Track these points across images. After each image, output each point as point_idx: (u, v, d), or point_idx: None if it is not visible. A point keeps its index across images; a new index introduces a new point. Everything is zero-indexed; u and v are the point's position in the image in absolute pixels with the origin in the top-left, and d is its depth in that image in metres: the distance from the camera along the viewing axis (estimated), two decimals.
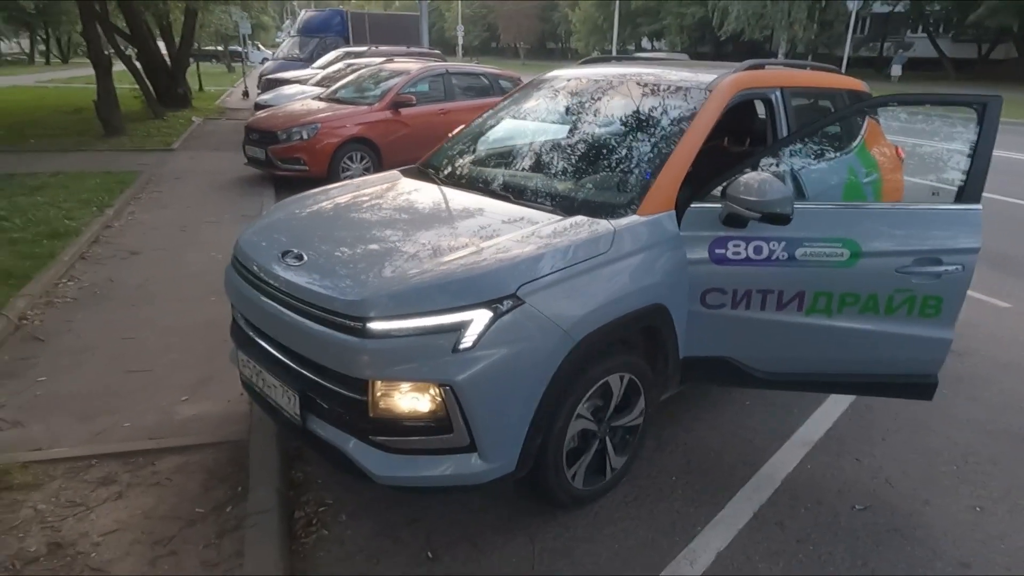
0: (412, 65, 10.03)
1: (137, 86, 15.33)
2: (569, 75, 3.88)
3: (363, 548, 2.54)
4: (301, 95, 11.29)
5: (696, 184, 2.88)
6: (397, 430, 2.33)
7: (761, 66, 3.48)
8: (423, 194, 3.25)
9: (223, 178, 8.97)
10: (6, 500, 2.58)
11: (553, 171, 3.25)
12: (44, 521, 2.48)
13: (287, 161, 8.33)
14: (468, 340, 2.24)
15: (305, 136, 8.30)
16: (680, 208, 2.80)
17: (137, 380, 3.57)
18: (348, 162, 8.48)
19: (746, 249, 2.78)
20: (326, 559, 2.47)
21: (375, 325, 2.25)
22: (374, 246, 2.63)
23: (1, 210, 6.54)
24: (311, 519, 2.67)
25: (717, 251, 2.78)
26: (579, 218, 2.71)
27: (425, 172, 3.58)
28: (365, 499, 2.77)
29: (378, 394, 2.30)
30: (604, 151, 3.21)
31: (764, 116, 3.49)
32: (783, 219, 2.67)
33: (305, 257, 2.58)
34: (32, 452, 2.89)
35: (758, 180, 2.67)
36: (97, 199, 7.20)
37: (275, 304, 2.55)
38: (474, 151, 3.72)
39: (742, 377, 3.04)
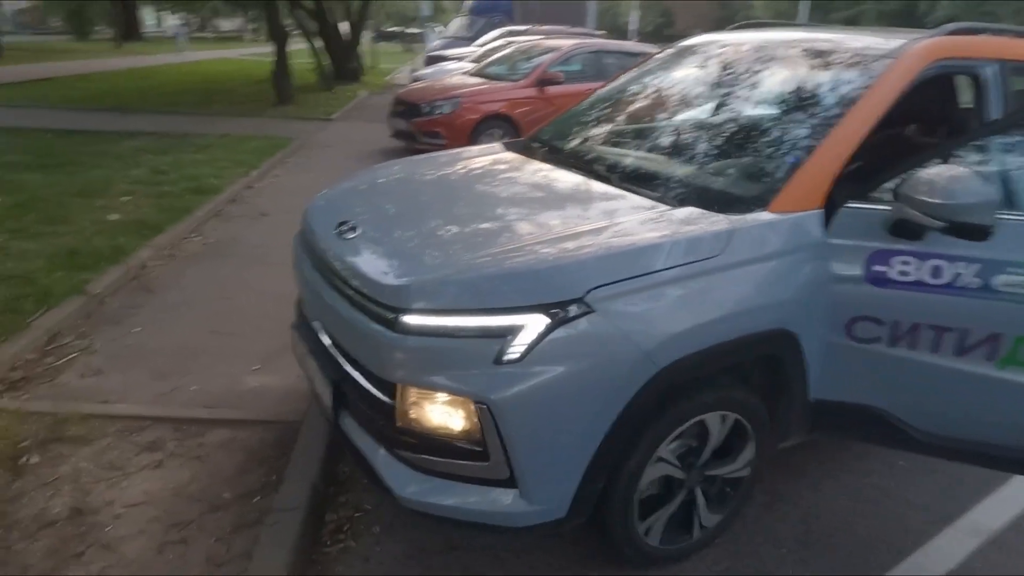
0: (566, 42, 9.58)
1: (313, 60, 16.27)
2: (711, 40, 3.23)
3: (388, 571, 2.19)
4: (457, 71, 11.29)
5: (861, 180, 2.19)
6: (425, 446, 1.93)
7: (973, 31, 2.62)
8: (515, 170, 2.81)
9: (369, 148, 9.11)
10: (53, 452, 2.53)
11: (671, 151, 2.66)
12: (78, 481, 2.39)
13: (427, 135, 8.25)
14: (515, 351, 1.78)
15: (447, 110, 8.17)
16: (831, 208, 2.13)
17: (219, 343, 3.50)
18: (487, 139, 8.24)
19: (919, 269, 2.06)
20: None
21: (411, 319, 1.86)
22: (435, 225, 2.24)
23: (163, 165, 7.01)
24: (342, 525, 2.37)
25: (876, 268, 2.08)
26: (688, 210, 2.13)
27: (529, 146, 3.14)
28: (405, 513, 2.42)
29: (407, 401, 1.91)
30: (737, 129, 2.57)
31: (969, 99, 2.65)
32: (979, 232, 1.92)
33: (359, 230, 2.25)
34: (97, 404, 2.86)
35: (947, 176, 1.94)
36: (248, 160, 7.54)
37: (321, 279, 2.26)
38: (587, 125, 3.21)
39: (895, 436, 2.30)
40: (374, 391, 2.00)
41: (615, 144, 2.89)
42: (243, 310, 3.90)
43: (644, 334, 1.84)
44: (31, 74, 16.60)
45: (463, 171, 2.85)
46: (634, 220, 2.11)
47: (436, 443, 1.91)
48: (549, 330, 1.78)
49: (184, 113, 11.11)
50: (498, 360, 1.79)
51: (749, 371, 2.22)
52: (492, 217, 2.25)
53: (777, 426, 2.30)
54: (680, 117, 2.85)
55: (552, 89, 8.44)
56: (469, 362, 1.82)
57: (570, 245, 1.94)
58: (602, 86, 3.57)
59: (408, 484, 1.96)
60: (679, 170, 2.50)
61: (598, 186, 2.46)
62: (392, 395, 1.94)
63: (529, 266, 1.87)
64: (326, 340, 2.29)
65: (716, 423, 2.14)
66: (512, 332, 1.79)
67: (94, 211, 5.35)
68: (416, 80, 11.73)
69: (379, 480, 2.02)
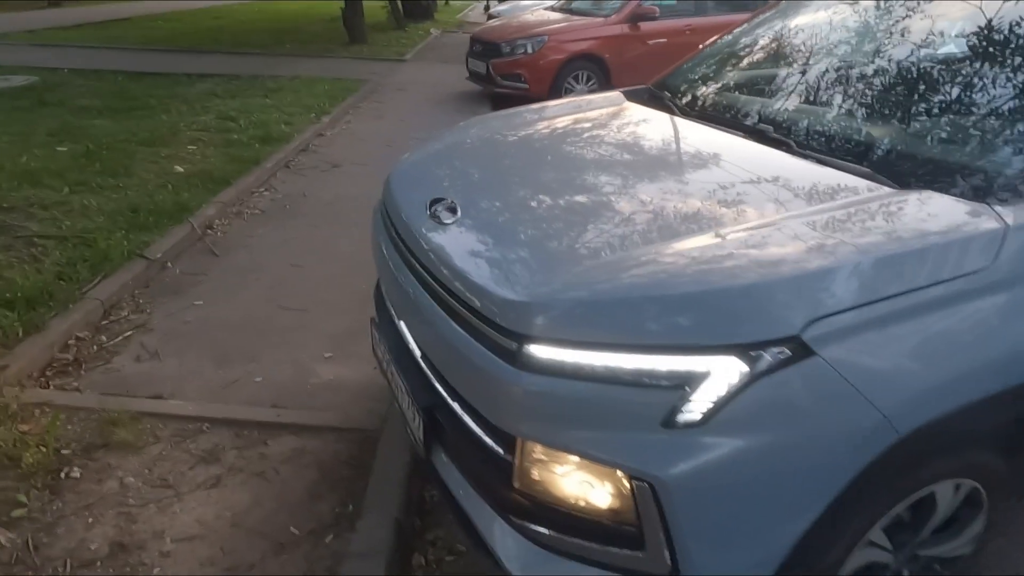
0: None
1: None
2: None
3: None
4: (535, 6, 10.44)
5: None
6: (552, 520, 1.41)
7: None
8: (652, 129, 2.20)
9: (444, 91, 8.51)
10: (98, 463, 2.16)
11: (872, 107, 1.97)
12: (124, 504, 2.01)
13: (507, 77, 7.59)
14: (695, 409, 1.23)
15: (529, 50, 7.45)
16: None
17: (288, 320, 3.08)
18: (572, 82, 7.50)
19: None
20: None
21: (540, 351, 1.32)
22: (562, 207, 1.68)
23: (231, 111, 6.63)
24: (431, 570, 1.93)
25: None
26: (924, 196, 1.49)
27: (659, 97, 2.49)
28: None
29: (530, 459, 1.40)
30: (974, 72, 1.85)
31: None
32: None
33: (459, 212, 1.71)
34: (149, 400, 2.48)
35: None
36: (318, 105, 7.07)
37: (408, 272, 1.74)
38: (734, 71, 2.53)
39: None
40: (484, 436, 1.49)
41: (782, 97, 2.21)
42: (314, 280, 3.47)
43: (884, 388, 1.24)
44: (113, 13, 16.63)
45: (585, 130, 2.25)
46: (844, 210, 1.49)
47: (568, 518, 1.40)
48: (747, 381, 1.21)
49: (255, 54, 10.73)
50: (669, 422, 1.24)
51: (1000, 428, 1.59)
52: (642, 200, 1.66)
53: (1014, 486, 1.68)
54: (884, 55, 2.12)
55: (646, 25, 7.57)
56: (625, 420, 1.27)
57: (774, 251, 1.34)
58: (745, 23, 2.84)
59: (525, 562, 1.46)
60: (892, 131, 1.83)
61: (772, 155, 1.83)
62: (510, 447, 1.42)
63: (718, 283, 1.28)
64: (415, 350, 1.80)
65: (947, 494, 1.54)
66: (691, 382, 1.23)
67: (159, 161, 5.01)
68: (492, 17, 10.94)
69: (484, 545, 1.54)
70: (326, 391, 2.59)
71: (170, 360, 2.77)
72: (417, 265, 1.70)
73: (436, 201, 1.78)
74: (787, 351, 1.21)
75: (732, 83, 2.42)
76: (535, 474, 1.40)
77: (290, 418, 2.41)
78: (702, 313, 1.26)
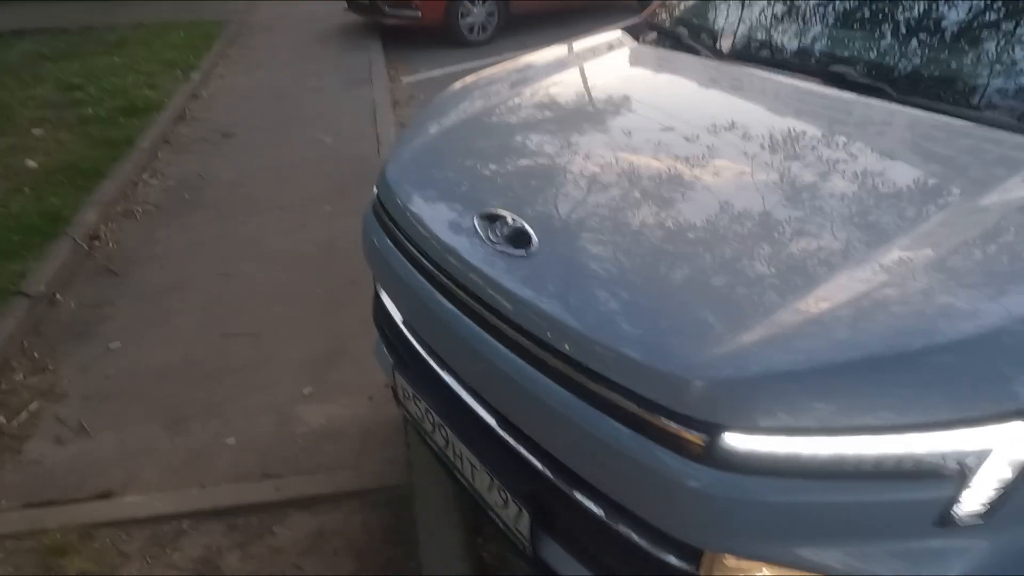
0: None
1: None
2: None
3: None
4: None
5: None
6: None
7: None
8: (703, 83, 1.80)
9: (322, 27, 7.52)
10: None
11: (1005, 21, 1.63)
12: None
13: (395, 6, 6.76)
14: (976, 499, 0.93)
15: None
16: None
17: (240, 351, 2.51)
18: (469, 4, 6.80)
19: None
20: None
21: (738, 440, 0.96)
22: (680, 215, 1.27)
23: (74, 77, 5.47)
24: None
25: None
26: None
27: (677, 36, 2.05)
28: None
29: (721, 568, 1.06)
30: None
31: None
32: None
33: (534, 236, 1.26)
34: (97, 502, 1.91)
35: None
36: (181, 60, 6.00)
37: (468, 319, 1.30)
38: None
39: None
40: (640, 541, 1.13)
41: (854, 26, 1.83)
42: (254, 291, 2.87)
43: None
44: None
45: (618, 93, 1.81)
46: None
47: None
48: None
49: None
50: (944, 519, 0.93)
51: None
52: (780, 198, 1.27)
53: None
54: None
55: None
56: (880, 523, 0.95)
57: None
58: None
59: None
60: None
61: (882, 106, 1.49)
62: (688, 559, 1.08)
63: (985, 324, 0.96)
64: (485, 416, 1.38)
65: None
66: (967, 466, 0.92)
67: (2, 156, 4.03)
68: None
69: None
70: (323, 442, 2.12)
71: (104, 435, 2.16)
72: (481, 308, 1.27)
73: (490, 219, 1.33)
74: None
75: (775, 11, 2.01)
76: None
77: (292, 490, 1.93)
78: (971, 368, 0.94)
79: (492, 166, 1.56)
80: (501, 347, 1.23)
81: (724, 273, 1.11)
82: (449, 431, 1.47)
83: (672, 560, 1.10)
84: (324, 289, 2.83)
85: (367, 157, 4.00)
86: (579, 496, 1.21)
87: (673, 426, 1.00)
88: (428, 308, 1.42)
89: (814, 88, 1.62)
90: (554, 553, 1.31)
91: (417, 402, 1.59)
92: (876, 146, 1.41)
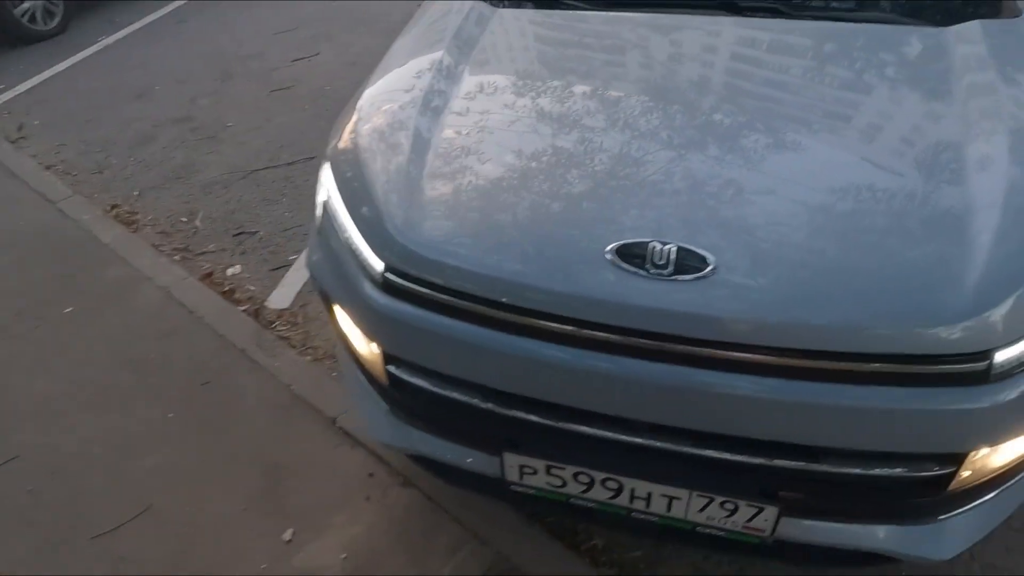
0: None
1: None
2: None
3: None
4: None
5: None
6: (971, 494, 1.33)
7: None
8: (621, 36, 1.78)
9: None
10: None
11: None
12: None
13: None
14: None
15: None
16: None
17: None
18: None
19: None
20: None
21: (1007, 353, 1.12)
22: (825, 175, 1.31)
23: None
24: None
25: None
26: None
27: None
28: None
29: (976, 460, 1.25)
30: None
31: None
32: None
33: (708, 256, 1.18)
34: None
35: None
36: None
37: (661, 364, 1.19)
38: None
39: None
40: (897, 472, 1.25)
41: None
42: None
43: None
44: None
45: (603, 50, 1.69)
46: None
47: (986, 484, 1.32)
48: None
49: None
50: None
51: None
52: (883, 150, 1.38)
53: None
54: None
55: None
56: None
57: None
58: None
59: (946, 543, 1.38)
60: None
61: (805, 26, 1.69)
62: (946, 464, 1.24)
63: None
64: (686, 450, 1.31)
65: None
66: None
67: None
68: None
69: (877, 560, 1.40)
70: None
71: None
72: (666, 344, 1.17)
73: (626, 254, 1.20)
74: None
75: None
76: (967, 473, 1.26)
77: None
78: None
79: (566, 193, 1.36)
80: (711, 373, 1.17)
81: (914, 219, 1.21)
82: (624, 479, 1.36)
83: (934, 471, 1.25)
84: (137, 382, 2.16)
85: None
86: (824, 467, 1.26)
87: (954, 367, 1.11)
88: (564, 369, 1.24)
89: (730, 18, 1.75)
90: (795, 527, 1.36)
91: (554, 471, 1.41)
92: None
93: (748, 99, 1.53)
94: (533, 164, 1.41)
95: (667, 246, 1.19)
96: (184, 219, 3.22)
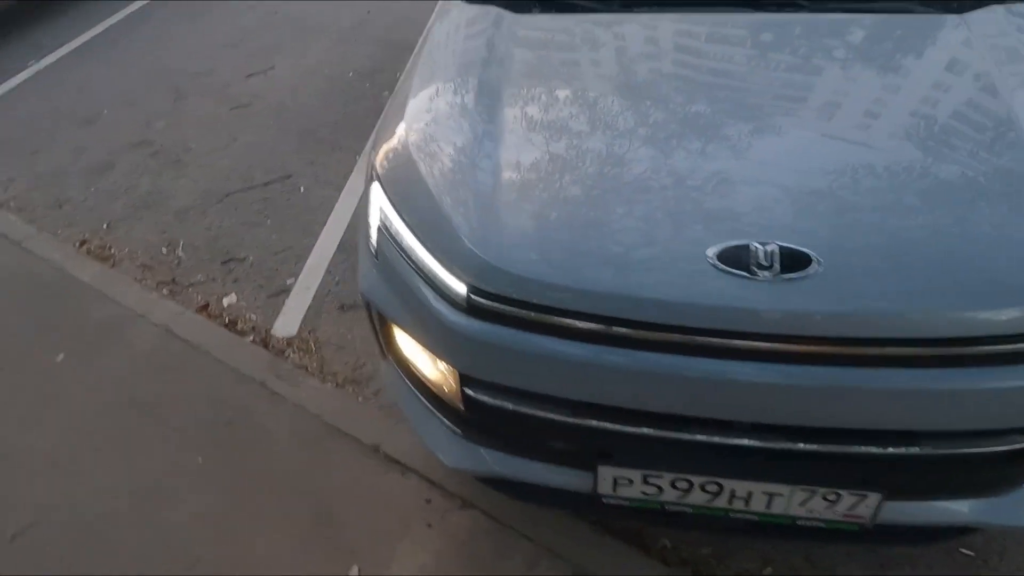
0: None
1: None
2: None
3: None
4: None
5: None
6: None
7: None
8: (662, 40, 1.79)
9: None
10: None
11: None
12: None
13: None
14: None
15: None
16: None
17: None
18: None
19: None
20: None
21: None
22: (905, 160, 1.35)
23: None
24: None
25: None
26: None
27: None
28: None
29: None
30: None
31: None
32: None
33: (812, 257, 1.19)
34: None
35: None
36: None
37: (760, 364, 1.21)
38: None
39: None
40: (984, 447, 1.30)
41: None
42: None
43: None
44: None
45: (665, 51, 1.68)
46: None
47: None
48: None
49: None
50: None
51: None
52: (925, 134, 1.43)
53: None
54: None
55: None
56: None
57: None
58: None
59: None
60: None
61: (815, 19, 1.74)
62: None
63: None
64: (786, 446, 1.33)
65: None
66: None
67: None
68: None
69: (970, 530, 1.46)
70: None
71: None
72: (773, 345, 1.19)
73: (728, 257, 1.20)
74: None
75: None
76: None
77: None
78: None
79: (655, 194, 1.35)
80: (831, 370, 1.19)
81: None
82: (725, 480, 1.37)
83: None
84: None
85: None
86: (925, 449, 1.31)
87: None
88: (674, 378, 1.25)
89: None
90: (893, 510, 1.40)
91: (651, 480, 1.41)
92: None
93: (805, 94, 1.57)
94: (611, 170, 1.41)
95: (768, 246, 1.20)
96: (164, 250, 3.05)
